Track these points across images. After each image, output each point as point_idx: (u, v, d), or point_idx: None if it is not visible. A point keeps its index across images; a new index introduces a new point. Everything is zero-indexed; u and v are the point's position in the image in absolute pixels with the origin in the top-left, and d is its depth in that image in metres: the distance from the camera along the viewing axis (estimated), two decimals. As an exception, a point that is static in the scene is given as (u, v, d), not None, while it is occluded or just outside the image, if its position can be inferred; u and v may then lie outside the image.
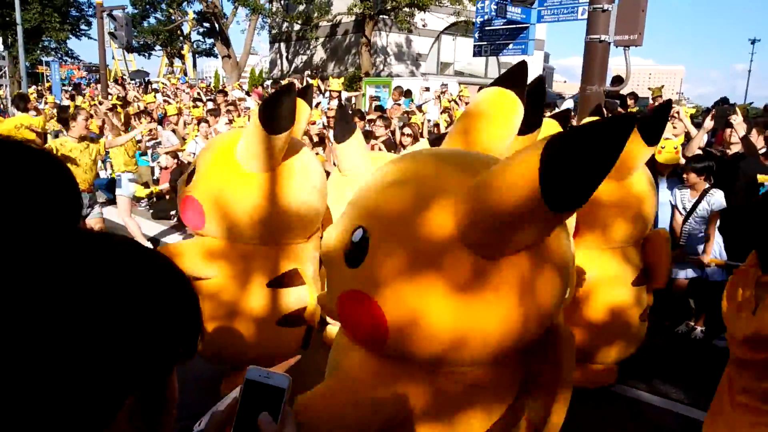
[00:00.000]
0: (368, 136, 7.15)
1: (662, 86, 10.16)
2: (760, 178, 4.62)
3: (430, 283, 1.56)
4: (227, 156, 3.13)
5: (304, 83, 13.21)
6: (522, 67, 2.09)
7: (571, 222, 2.87)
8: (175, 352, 0.70)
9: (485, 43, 10.87)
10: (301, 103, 3.64)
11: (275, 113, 2.91)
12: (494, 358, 1.70)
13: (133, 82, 20.90)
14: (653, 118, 3.42)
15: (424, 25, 23.00)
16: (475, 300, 1.56)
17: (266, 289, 3.22)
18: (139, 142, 8.92)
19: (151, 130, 9.03)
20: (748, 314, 1.82)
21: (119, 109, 9.49)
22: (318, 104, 10.61)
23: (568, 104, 11.89)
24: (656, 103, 8.84)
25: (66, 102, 14.52)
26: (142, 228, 7.68)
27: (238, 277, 3.20)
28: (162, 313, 0.67)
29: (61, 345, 0.58)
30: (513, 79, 2.07)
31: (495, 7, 9.60)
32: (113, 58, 27.67)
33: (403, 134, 7.17)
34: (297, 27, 25.96)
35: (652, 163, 5.22)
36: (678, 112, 6.41)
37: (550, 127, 3.58)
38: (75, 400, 0.59)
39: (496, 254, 1.54)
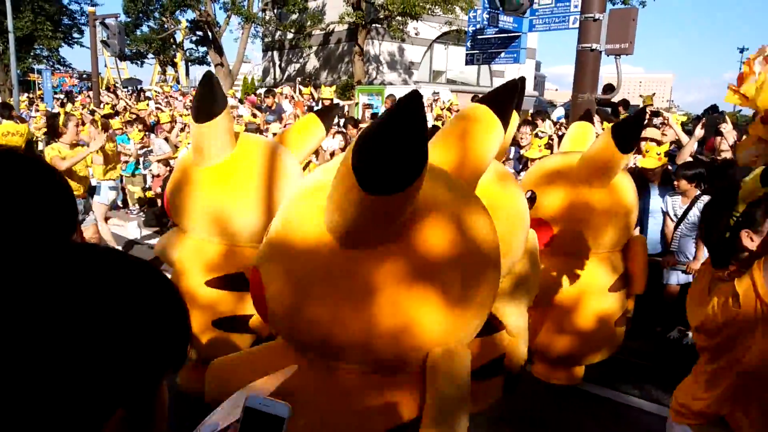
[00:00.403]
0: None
1: (653, 94, 10.24)
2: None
3: (295, 265, 1.70)
4: (190, 152, 3.30)
5: (297, 91, 13.22)
6: (511, 87, 2.06)
7: (521, 224, 2.84)
8: (164, 362, 0.70)
9: (477, 51, 10.93)
10: (315, 123, 3.59)
11: (196, 104, 3.05)
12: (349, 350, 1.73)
13: (125, 90, 20.84)
14: (627, 126, 3.35)
15: (416, 34, 23.11)
16: (337, 286, 1.66)
17: (203, 287, 3.19)
18: (125, 160, 8.88)
19: (143, 138, 9.00)
20: (701, 306, 1.97)
21: (96, 117, 9.48)
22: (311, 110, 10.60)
23: (560, 112, 11.95)
24: (649, 111, 8.89)
25: (57, 110, 14.45)
26: (135, 235, 7.72)
27: (186, 268, 3.26)
28: (150, 325, 0.67)
29: (47, 357, 0.58)
30: (500, 98, 2.03)
31: (487, 16, 9.65)
32: (105, 66, 27.60)
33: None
34: (290, 35, 26.02)
35: (641, 172, 5.27)
36: (667, 119, 6.47)
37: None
38: (60, 413, 0.58)
39: (351, 243, 1.63)
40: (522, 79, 2.08)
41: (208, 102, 2.98)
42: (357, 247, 1.64)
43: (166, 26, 29.19)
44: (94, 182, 7.16)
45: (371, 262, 1.65)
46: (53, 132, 5.85)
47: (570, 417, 3.77)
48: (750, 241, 1.91)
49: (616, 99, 8.63)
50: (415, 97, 1.37)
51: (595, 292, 3.70)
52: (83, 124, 7.18)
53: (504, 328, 2.84)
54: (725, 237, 1.95)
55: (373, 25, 22.45)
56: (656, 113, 8.35)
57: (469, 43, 10.98)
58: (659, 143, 5.60)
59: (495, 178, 2.73)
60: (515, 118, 3.06)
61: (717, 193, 2.05)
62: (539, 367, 4.15)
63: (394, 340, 1.69)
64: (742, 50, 65.50)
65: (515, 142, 6.37)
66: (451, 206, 1.77)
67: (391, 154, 1.39)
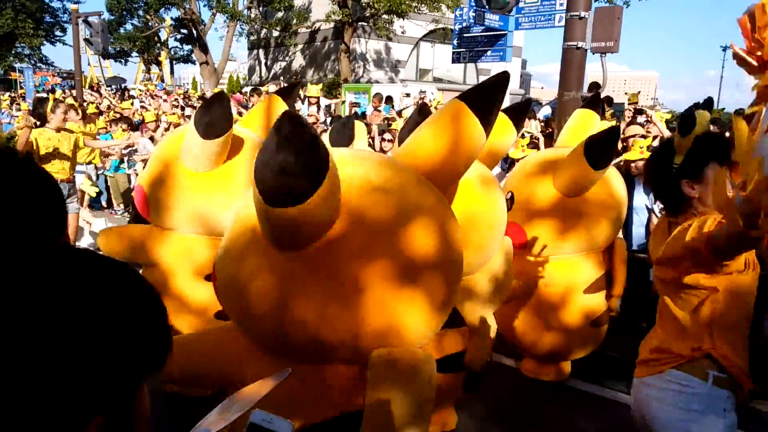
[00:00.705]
0: (348, 142, 7.14)
1: (639, 92, 10.33)
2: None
3: (240, 264, 1.77)
4: (173, 152, 3.29)
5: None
6: (496, 83, 1.90)
7: (499, 231, 2.88)
8: (143, 366, 0.68)
9: (464, 50, 10.94)
10: (278, 103, 3.61)
11: (207, 120, 3.04)
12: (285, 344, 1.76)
13: (109, 88, 20.60)
14: (599, 143, 3.32)
15: (402, 32, 23.12)
16: (324, 284, 1.66)
17: (203, 281, 3.21)
18: (106, 157, 8.81)
19: (129, 137, 8.91)
20: (661, 243, 2.08)
21: (76, 104, 9.42)
22: (297, 111, 10.56)
23: (546, 111, 12.00)
24: (633, 108, 8.97)
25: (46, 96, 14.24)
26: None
27: (178, 266, 3.27)
28: (129, 329, 0.66)
29: (22, 365, 0.56)
30: (482, 96, 1.89)
31: (473, 14, 9.66)
32: (89, 64, 27.25)
33: (383, 140, 7.18)
34: (276, 33, 25.91)
35: (627, 169, 5.32)
36: (651, 117, 6.54)
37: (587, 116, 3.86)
38: (36, 422, 0.57)
39: (284, 247, 1.68)
40: (506, 74, 1.91)
41: (220, 121, 3.04)
42: (285, 252, 1.68)
43: (150, 24, 28.93)
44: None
45: (360, 261, 1.64)
46: (39, 117, 5.86)
47: (558, 413, 3.80)
48: (691, 189, 2.02)
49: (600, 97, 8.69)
50: (288, 118, 1.45)
51: (581, 291, 3.75)
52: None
53: (465, 324, 2.87)
54: (669, 187, 2.08)
55: (360, 23, 22.43)
56: (640, 111, 8.43)
57: (455, 42, 11.00)
58: (645, 137, 5.66)
59: (478, 183, 2.74)
60: (511, 128, 3.02)
61: (659, 148, 2.16)
62: (528, 363, 4.19)
63: (382, 340, 1.69)
64: (725, 48, 66.48)
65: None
66: (435, 211, 1.78)
67: (276, 173, 1.46)
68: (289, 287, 1.67)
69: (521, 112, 3.13)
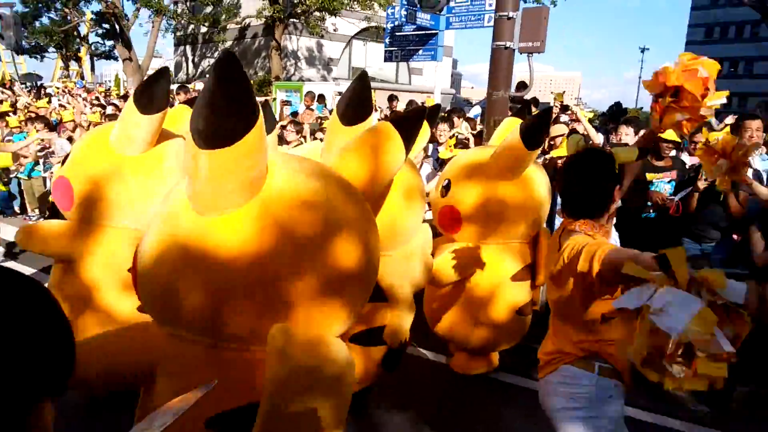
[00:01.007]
0: (279, 141, 7.02)
1: (564, 92, 10.70)
2: (649, 176, 4.91)
3: (172, 277, 1.73)
4: (101, 140, 3.21)
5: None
6: (419, 113, 2.29)
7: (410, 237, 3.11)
8: (38, 390, 0.62)
9: (396, 48, 11.02)
10: (187, 112, 3.56)
11: (149, 93, 3.03)
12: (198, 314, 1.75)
13: (23, 86, 19.40)
14: (534, 125, 3.50)
15: (335, 30, 23.03)
16: (255, 299, 1.69)
17: (128, 275, 3.09)
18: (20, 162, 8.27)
19: (43, 140, 8.39)
20: (555, 253, 2.26)
21: None
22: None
23: (476, 111, 12.25)
24: (559, 105, 9.29)
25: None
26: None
27: (104, 261, 3.15)
28: (25, 349, 0.60)
29: None
30: (408, 124, 2.21)
31: (405, 13, 9.74)
32: (0, 60, 25.62)
33: (315, 139, 7.11)
34: (204, 29, 25.23)
35: (554, 166, 5.47)
36: (575, 114, 6.78)
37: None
38: None
39: (202, 207, 1.71)
40: (424, 109, 2.37)
41: (161, 95, 3.02)
42: (209, 211, 1.68)
43: (68, 18, 27.47)
44: None
45: (289, 278, 1.70)
46: None
47: (486, 406, 3.85)
48: (616, 194, 2.27)
49: (527, 97, 8.94)
50: (228, 57, 1.53)
51: (507, 282, 3.83)
52: None
53: (386, 300, 3.01)
54: (605, 192, 2.25)
55: (291, 20, 22.14)
56: (566, 107, 8.75)
57: (387, 40, 11.06)
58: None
59: (401, 196, 2.98)
60: (426, 131, 3.44)
61: (591, 156, 2.33)
62: (458, 360, 4.24)
63: (312, 351, 1.73)
64: (643, 50, 70.13)
65: (434, 139, 6.45)
66: (359, 224, 1.87)
67: (212, 110, 1.54)
68: (223, 304, 1.70)
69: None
